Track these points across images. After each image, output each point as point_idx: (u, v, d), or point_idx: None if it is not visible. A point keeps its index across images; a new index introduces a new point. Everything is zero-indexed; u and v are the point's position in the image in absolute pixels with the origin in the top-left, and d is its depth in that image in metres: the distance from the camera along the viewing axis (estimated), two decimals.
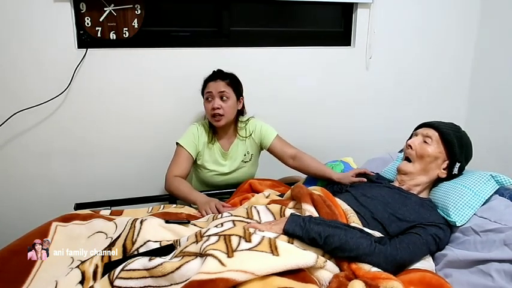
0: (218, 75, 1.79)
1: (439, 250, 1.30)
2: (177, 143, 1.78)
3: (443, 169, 1.46)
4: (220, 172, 1.85)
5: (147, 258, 1.05)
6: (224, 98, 1.73)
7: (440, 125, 1.48)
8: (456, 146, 1.43)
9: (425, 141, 1.46)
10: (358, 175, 1.65)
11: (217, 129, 1.82)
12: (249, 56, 2.13)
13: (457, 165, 1.44)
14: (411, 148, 1.48)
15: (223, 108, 1.72)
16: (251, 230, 1.16)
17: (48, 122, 1.93)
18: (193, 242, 1.10)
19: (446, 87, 2.54)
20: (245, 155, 1.87)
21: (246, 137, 1.85)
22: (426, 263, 1.24)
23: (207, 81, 1.79)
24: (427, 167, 1.45)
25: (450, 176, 1.47)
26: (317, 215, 1.28)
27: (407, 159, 1.50)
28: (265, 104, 2.14)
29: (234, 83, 1.79)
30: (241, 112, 1.85)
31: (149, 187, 2.04)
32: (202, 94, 1.81)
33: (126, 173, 2.11)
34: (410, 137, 1.56)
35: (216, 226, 1.21)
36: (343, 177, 1.66)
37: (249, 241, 1.08)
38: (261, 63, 2.17)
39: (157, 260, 1.03)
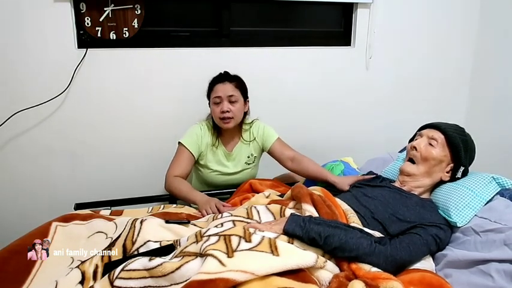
0: (226, 77, 1.77)
1: (439, 250, 1.29)
2: (179, 143, 1.77)
3: (447, 172, 1.44)
4: (223, 172, 1.84)
5: (147, 258, 1.05)
6: (233, 101, 1.73)
7: (446, 128, 1.45)
8: (462, 150, 1.41)
9: (430, 144, 1.44)
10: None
11: (222, 130, 1.81)
12: (249, 56, 2.13)
13: (461, 169, 1.43)
14: (416, 150, 1.45)
15: (232, 111, 1.72)
16: (251, 230, 1.16)
17: (48, 122, 1.93)
18: (193, 242, 1.10)
19: (447, 87, 2.54)
20: (249, 157, 1.86)
21: (250, 141, 1.85)
22: (426, 263, 1.24)
23: (213, 83, 1.77)
24: (430, 170, 1.44)
25: (452, 179, 1.46)
26: (317, 215, 1.28)
27: (411, 160, 1.48)
28: (265, 104, 2.13)
29: (241, 86, 1.78)
30: (245, 113, 1.84)
31: (149, 187, 2.04)
32: (208, 96, 1.79)
33: (126, 173, 2.11)
34: (413, 137, 1.55)
35: (216, 226, 1.20)
36: (338, 182, 1.64)
37: (249, 241, 1.08)
38: (261, 63, 2.17)
39: (157, 260, 1.03)
